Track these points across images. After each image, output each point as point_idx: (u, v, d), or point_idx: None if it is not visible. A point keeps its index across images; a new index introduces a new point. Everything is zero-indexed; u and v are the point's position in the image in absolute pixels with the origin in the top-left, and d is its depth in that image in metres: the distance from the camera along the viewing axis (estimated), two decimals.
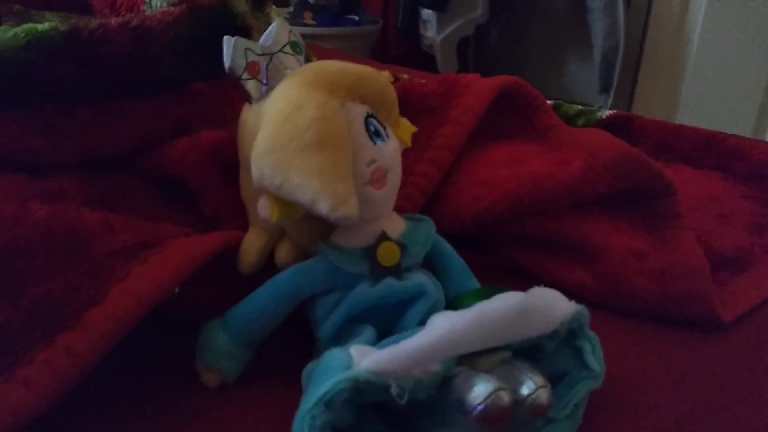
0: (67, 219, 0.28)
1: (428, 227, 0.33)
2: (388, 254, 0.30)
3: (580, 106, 0.60)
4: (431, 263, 0.33)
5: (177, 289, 0.28)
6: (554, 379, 0.28)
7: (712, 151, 0.56)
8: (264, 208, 0.28)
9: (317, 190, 0.26)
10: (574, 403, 0.28)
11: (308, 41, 0.64)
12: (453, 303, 0.32)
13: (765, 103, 1.29)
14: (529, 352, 0.28)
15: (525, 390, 0.25)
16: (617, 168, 0.38)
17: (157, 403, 0.30)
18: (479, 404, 0.24)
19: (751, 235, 0.46)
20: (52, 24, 0.30)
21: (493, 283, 0.34)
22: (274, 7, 0.41)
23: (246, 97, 0.30)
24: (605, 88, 1.35)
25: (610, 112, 0.59)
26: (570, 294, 0.37)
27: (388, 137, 0.30)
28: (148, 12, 0.38)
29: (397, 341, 0.27)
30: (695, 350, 0.36)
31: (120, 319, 0.25)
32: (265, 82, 0.29)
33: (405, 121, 0.33)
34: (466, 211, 0.40)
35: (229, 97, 0.36)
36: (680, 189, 0.40)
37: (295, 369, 0.29)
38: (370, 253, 0.30)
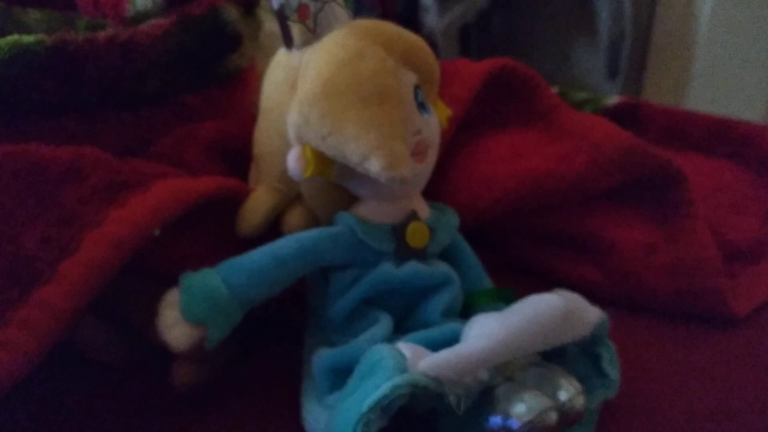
0: (32, 163, 0.26)
1: (453, 216, 0.31)
2: (417, 235, 0.28)
3: (585, 94, 0.59)
4: (446, 257, 0.31)
5: (158, 231, 0.25)
6: None
7: (723, 138, 0.54)
8: (296, 160, 0.26)
9: (373, 145, 0.24)
10: (591, 409, 0.27)
11: None
12: (467, 301, 0.30)
13: None
14: (552, 355, 0.27)
15: (563, 396, 0.24)
16: (622, 162, 0.37)
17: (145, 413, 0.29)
18: (527, 421, 0.22)
19: (764, 225, 0.45)
20: (38, 37, 0.29)
21: (495, 279, 0.33)
22: (264, 3, 0.40)
23: (286, 41, 0.28)
24: (612, 75, 1.33)
25: (618, 98, 0.58)
26: (577, 290, 0.36)
27: (431, 112, 0.29)
28: (132, 10, 0.37)
29: (426, 337, 0.26)
30: (709, 345, 0.35)
31: (96, 267, 0.24)
32: (312, 29, 0.27)
33: (441, 103, 0.31)
34: (466, 211, 0.38)
35: (217, 108, 0.35)
36: (691, 178, 0.38)
37: (286, 374, 0.28)
38: (398, 231, 0.28)
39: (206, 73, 0.35)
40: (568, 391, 0.24)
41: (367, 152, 0.24)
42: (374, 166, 0.24)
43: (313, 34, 0.27)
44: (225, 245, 0.29)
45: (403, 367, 0.22)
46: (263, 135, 0.30)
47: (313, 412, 0.26)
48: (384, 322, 0.27)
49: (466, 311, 0.30)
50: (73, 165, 0.26)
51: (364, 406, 0.21)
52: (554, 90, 0.49)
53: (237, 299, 0.26)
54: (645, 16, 1.37)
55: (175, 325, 0.26)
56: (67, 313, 0.23)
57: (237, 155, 0.32)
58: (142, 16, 0.36)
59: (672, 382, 0.32)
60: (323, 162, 0.26)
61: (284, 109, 0.27)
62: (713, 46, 1.28)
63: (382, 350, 0.23)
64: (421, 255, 0.28)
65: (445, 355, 0.22)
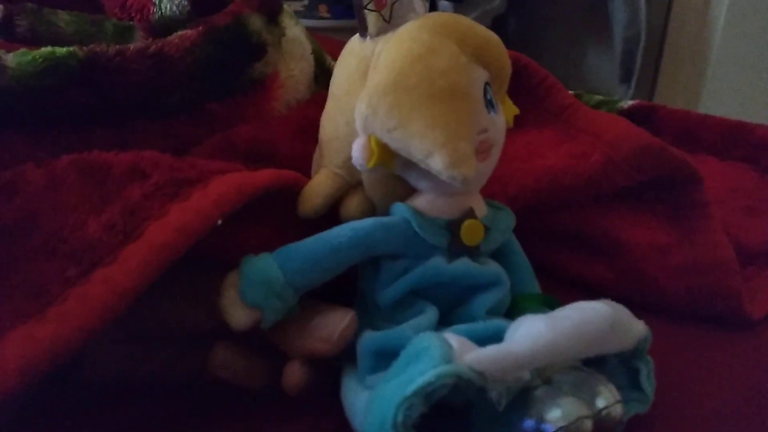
0: (96, 165, 0.27)
1: (509, 217, 0.31)
2: (471, 232, 0.28)
3: (600, 96, 0.59)
4: (497, 256, 0.31)
5: (221, 221, 0.26)
6: None
7: (738, 141, 0.54)
8: (360, 150, 0.26)
9: (438, 143, 0.24)
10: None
11: (324, 34, 0.63)
12: (515, 302, 0.30)
13: None
14: (591, 363, 0.27)
15: (600, 402, 0.24)
16: (638, 160, 0.37)
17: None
18: (561, 427, 0.22)
19: None
20: (71, 49, 0.30)
21: None
22: (286, 9, 0.41)
23: (361, 29, 0.28)
24: (626, 79, 1.33)
25: (632, 102, 0.58)
26: (592, 290, 0.36)
27: (498, 111, 0.28)
28: (158, 14, 0.37)
29: (470, 330, 0.26)
30: (723, 347, 0.35)
31: (159, 249, 0.24)
32: (387, 19, 0.27)
33: (509, 101, 0.31)
34: None
35: (242, 114, 0.36)
36: (706, 181, 0.38)
37: None
38: (453, 227, 0.28)
39: (232, 82, 0.35)
40: (606, 399, 0.24)
41: (431, 149, 0.24)
42: (437, 163, 0.24)
43: (388, 23, 0.27)
44: (284, 233, 0.29)
45: (449, 357, 0.22)
46: (330, 121, 0.30)
47: (353, 391, 0.26)
48: (430, 314, 0.27)
49: (510, 313, 0.30)
50: (135, 166, 0.27)
51: (409, 390, 0.21)
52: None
53: (291, 285, 0.27)
54: (660, 20, 1.37)
55: (234, 305, 0.27)
56: (127, 290, 0.24)
57: (274, 162, 0.32)
58: (167, 20, 0.37)
59: (685, 384, 0.32)
60: (387, 154, 0.26)
61: (353, 97, 0.27)
62: (728, 50, 1.27)
63: (431, 338, 0.23)
64: (473, 252, 0.28)
65: (492, 351, 0.22)
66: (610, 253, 0.39)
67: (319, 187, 0.30)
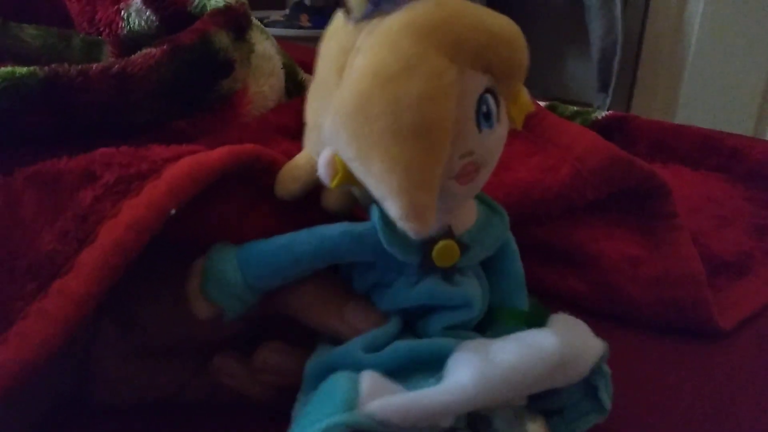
0: (50, 177, 0.26)
1: (501, 227, 0.28)
2: (445, 255, 0.26)
3: (575, 107, 0.59)
4: (486, 262, 0.29)
5: (173, 211, 0.25)
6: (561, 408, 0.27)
7: (710, 151, 0.55)
8: (325, 166, 0.24)
9: (394, 190, 0.22)
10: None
11: (305, 43, 0.63)
12: (495, 315, 0.29)
13: (765, 101, 1.28)
14: None
15: None
16: (606, 173, 0.37)
17: None
18: None
19: (751, 238, 0.45)
20: (31, 69, 0.29)
21: None
22: (257, 22, 0.40)
23: (345, 10, 0.25)
24: (604, 87, 1.34)
25: (606, 112, 0.59)
26: (564, 302, 0.37)
27: (498, 122, 0.25)
28: (127, 29, 0.37)
29: (410, 348, 0.25)
30: (695, 359, 0.35)
31: (112, 250, 0.24)
32: (375, 3, 0.23)
33: (525, 97, 0.27)
34: None
35: (208, 131, 0.35)
36: (678, 190, 0.39)
37: None
38: (425, 247, 0.25)
39: (198, 100, 0.35)
40: None
41: (386, 194, 0.22)
42: (391, 211, 0.22)
43: (376, 8, 0.23)
44: (260, 205, 0.28)
45: (352, 403, 0.21)
46: (311, 104, 0.28)
47: (297, 409, 0.26)
48: (392, 323, 0.27)
49: (489, 326, 0.29)
50: (86, 170, 0.27)
51: None
52: (542, 104, 0.49)
53: (251, 288, 0.26)
54: (635, 30, 1.39)
55: (196, 297, 0.27)
56: (83, 298, 0.23)
57: (251, 174, 0.32)
58: (136, 36, 0.37)
59: (656, 395, 0.32)
60: (351, 177, 0.24)
61: (330, 90, 0.25)
62: (703, 59, 1.30)
63: (339, 380, 0.23)
64: (446, 272, 0.26)
65: (401, 400, 0.21)
66: (582, 265, 0.39)
67: (297, 171, 0.28)
